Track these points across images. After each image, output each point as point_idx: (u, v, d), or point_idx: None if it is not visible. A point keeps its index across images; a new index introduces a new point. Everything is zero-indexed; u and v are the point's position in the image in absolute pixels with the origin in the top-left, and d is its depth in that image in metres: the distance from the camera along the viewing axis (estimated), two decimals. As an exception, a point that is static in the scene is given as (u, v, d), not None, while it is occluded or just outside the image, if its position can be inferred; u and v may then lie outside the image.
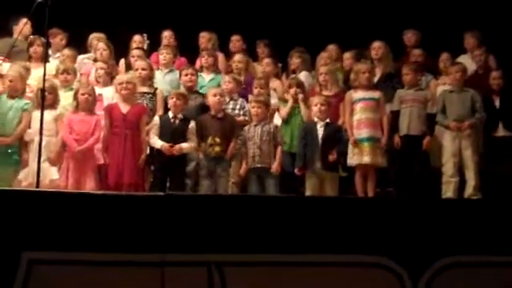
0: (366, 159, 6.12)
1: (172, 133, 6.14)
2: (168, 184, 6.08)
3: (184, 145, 6.10)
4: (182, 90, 6.63)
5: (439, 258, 3.72)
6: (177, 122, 6.19)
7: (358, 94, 6.35)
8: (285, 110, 6.54)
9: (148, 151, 6.18)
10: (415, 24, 7.62)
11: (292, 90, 6.56)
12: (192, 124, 6.20)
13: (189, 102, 6.45)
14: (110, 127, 6.10)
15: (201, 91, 6.83)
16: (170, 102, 6.27)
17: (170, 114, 6.23)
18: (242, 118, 6.51)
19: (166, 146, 6.05)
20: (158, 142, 6.09)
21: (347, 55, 7.32)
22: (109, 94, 6.54)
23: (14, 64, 6.61)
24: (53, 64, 6.91)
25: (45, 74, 5.49)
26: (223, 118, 6.28)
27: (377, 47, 7.09)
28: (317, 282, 3.64)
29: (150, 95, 6.53)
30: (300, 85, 6.64)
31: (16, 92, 6.24)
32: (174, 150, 6.06)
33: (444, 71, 6.90)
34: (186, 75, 6.75)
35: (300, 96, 6.53)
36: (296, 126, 6.45)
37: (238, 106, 6.59)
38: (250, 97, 6.54)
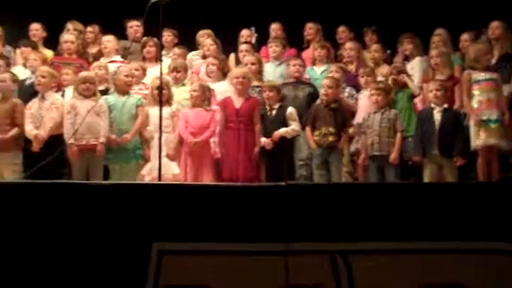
0: (493, 140, 5.83)
1: (270, 124, 6.22)
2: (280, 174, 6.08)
3: (282, 130, 6.13)
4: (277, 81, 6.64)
5: None
6: (273, 112, 6.25)
7: (477, 75, 6.08)
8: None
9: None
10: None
11: (391, 78, 6.49)
12: (290, 109, 6.24)
13: (297, 92, 6.52)
14: (224, 122, 6.20)
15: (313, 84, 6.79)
16: (264, 95, 6.32)
17: (267, 107, 6.28)
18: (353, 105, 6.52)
19: (266, 141, 6.12)
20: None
21: (464, 37, 7.12)
22: (221, 89, 6.65)
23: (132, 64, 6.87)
24: (165, 63, 7.09)
25: (161, 73, 5.67)
26: (336, 108, 6.25)
27: (494, 27, 6.83)
28: (440, 269, 3.53)
29: (260, 88, 6.55)
30: (401, 71, 6.55)
31: (128, 87, 6.41)
32: (273, 138, 6.11)
33: None
34: (294, 66, 6.79)
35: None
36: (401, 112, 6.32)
37: (346, 95, 6.60)
38: (372, 84, 6.43)
